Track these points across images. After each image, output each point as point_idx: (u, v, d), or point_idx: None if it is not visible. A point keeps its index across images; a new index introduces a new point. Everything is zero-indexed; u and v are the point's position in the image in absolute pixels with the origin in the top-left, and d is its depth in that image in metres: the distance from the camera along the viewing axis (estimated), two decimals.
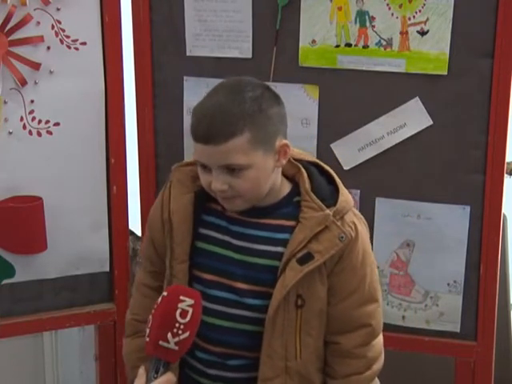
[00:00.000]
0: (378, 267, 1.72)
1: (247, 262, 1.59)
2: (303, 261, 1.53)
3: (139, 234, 2.23)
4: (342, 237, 1.53)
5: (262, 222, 1.59)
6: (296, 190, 1.60)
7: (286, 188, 1.61)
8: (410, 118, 1.93)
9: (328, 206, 1.54)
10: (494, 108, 1.86)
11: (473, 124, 1.90)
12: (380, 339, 1.66)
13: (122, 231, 2.14)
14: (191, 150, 2.09)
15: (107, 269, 2.15)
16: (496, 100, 1.86)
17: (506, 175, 1.92)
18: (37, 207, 2.01)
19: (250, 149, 1.48)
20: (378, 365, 1.64)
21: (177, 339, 1.38)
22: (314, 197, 1.56)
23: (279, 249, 1.56)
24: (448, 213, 1.95)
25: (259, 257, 1.59)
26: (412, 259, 2.01)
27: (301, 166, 1.61)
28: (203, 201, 1.63)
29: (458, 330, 2.00)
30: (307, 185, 1.57)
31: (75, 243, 2.08)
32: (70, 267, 2.10)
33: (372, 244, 1.71)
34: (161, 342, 1.39)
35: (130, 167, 2.13)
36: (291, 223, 1.57)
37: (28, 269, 2.05)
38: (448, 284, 1.99)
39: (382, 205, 1.99)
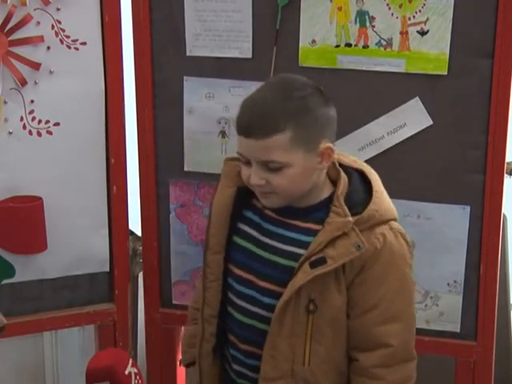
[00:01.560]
0: None
1: (271, 261, 1.60)
2: (315, 264, 1.51)
3: (139, 234, 2.23)
4: (359, 246, 1.49)
5: (292, 223, 1.59)
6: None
7: (327, 192, 1.59)
8: (410, 118, 1.93)
9: (355, 214, 1.51)
10: (494, 108, 1.86)
11: (473, 124, 1.90)
12: (410, 366, 1.58)
13: (122, 231, 2.14)
14: (191, 150, 2.10)
15: (107, 269, 2.15)
16: (496, 100, 1.86)
17: (506, 175, 1.92)
18: (37, 207, 2.01)
19: (290, 147, 1.46)
20: None
21: None
22: (342, 202, 1.53)
23: (302, 251, 1.55)
24: (448, 213, 1.95)
25: (282, 257, 1.58)
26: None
27: (342, 171, 1.58)
28: (246, 196, 1.63)
29: (458, 330, 2.00)
30: (341, 190, 1.55)
31: (75, 243, 2.08)
32: (70, 267, 2.10)
33: None
34: None
35: (130, 167, 2.13)
36: (319, 227, 1.55)
37: (28, 269, 2.05)
38: (448, 284, 1.99)
39: None
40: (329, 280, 1.53)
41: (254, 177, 1.50)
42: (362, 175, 1.61)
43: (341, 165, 1.60)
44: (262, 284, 1.60)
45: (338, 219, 1.52)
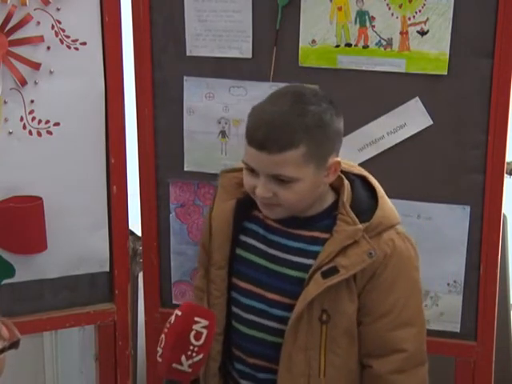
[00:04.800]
0: None
1: (279, 273, 1.58)
2: (327, 274, 1.49)
3: (139, 234, 2.23)
4: (371, 253, 1.49)
5: (297, 233, 1.57)
6: (338, 203, 1.56)
7: (329, 200, 1.58)
8: (410, 118, 1.93)
9: (363, 221, 1.51)
10: (494, 108, 1.86)
11: (473, 124, 1.90)
12: (423, 370, 1.59)
13: (122, 231, 2.13)
14: (191, 150, 2.10)
15: (107, 269, 2.15)
16: (496, 100, 1.86)
17: (506, 175, 1.92)
18: (37, 207, 2.01)
19: (302, 162, 1.45)
20: None
21: (190, 362, 1.36)
22: (349, 210, 1.52)
23: (310, 261, 1.54)
24: (448, 213, 1.95)
25: (290, 268, 1.57)
26: None
27: (345, 178, 1.57)
28: (246, 208, 1.61)
29: (458, 330, 2.00)
30: (346, 198, 1.54)
31: (75, 243, 2.08)
32: (70, 267, 2.10)
33: None
34: (174, 365, 1.36)
35: (130, 167, 2.13)
36: (325, 236, 1.54)
37: (28, 269, 2.05)
38: (448, 284, 1.99)
39: None
40: (341, 289, 1.52)
41: (262, 189, 1.48)
42: (363, 181, 1.60)
43: (341, 171, 1.59)
44: (271, 296, 1.59)
45: (348, 227, 1.51)
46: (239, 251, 1.63)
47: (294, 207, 1.52)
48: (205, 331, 1.38)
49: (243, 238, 1.63)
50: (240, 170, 1.60)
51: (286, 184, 1.47)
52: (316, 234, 1.56)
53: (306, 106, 1.46)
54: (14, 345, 1.14)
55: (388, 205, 1.57)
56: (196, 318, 1.38)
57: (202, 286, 1.75)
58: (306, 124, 1.44)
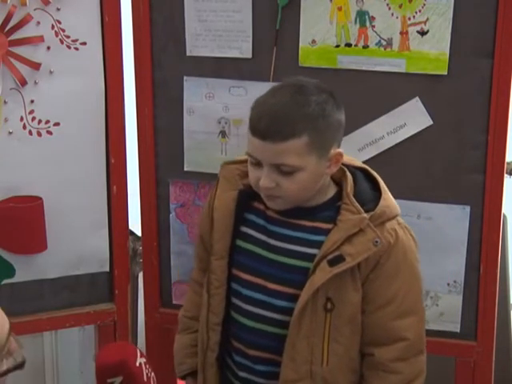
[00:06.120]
0: None
1: (280, 263, 1.59)
2: (333, 262, 1.51)
3: (139, 234, 2.23)
4: (377, 241, 1.51)
5: (299, 223, 1.59)
6: (340, 194, 1.59)
7: (331, 192, 1.60)
8: (410, 118, 1.93)
9: (367, 211, 1.53)
10: (494, 108, 1.86)
11: (473, 124, 1.90)
12: (422, 358, 1.61)
13: (122, 231, 2.14)
14: (191, 150, 2.10)
15: (107, 269, 2.15)
16: (496, 100, 1.86)
17: (506, 175, 1.92)
18: (37, 207, 2.01)
19: (305, 152, 1.47)
20: None
21: None
22: (354, 200, 1.54)
23: (314, 251, 1.55)
24: (448, 213, 1.95)
25: (293, 257, 1.58)
26: None
27: (347, 170, 1.60)
28: (247, 199, 1.63)
29: (458, 330, 2.00)
30: (349, 188, 1.56)
31: (75, 243, 2.08)
32: (70, 267, 2.10)
33: None
34: None
35: (129, 167, 2.13)
36: (328, 226, 1.56)
37: (28, 269, 2.05)
38: (448, 284, 1.99)
39: None
40: (345, 278, 1.53)
41: (265, 179, 1.50)
42: (365, 173, 1.62)
43: (342, 164, 1.61)
44: (273, 287, 1.59)
45: (352, 216, 1.53)
46: (239, 242, 1.64)
47: (296, 197, 1.54)
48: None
49: (244, 228, 1.64)
50: (242, 161, 1.63)
51: (289, 174, 1.49)
52: (318, 224, 1.57)
53: (307, 96, 1.48)
54: (20, 366, 1.13)
55: (389, 196, 1.59)
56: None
57: (198, 278, 1.77)
58: (307, 113, 1.47)
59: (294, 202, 1.55)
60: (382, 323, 1.56)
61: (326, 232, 1.55)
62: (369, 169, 1.64)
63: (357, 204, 1.53)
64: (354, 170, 1.62)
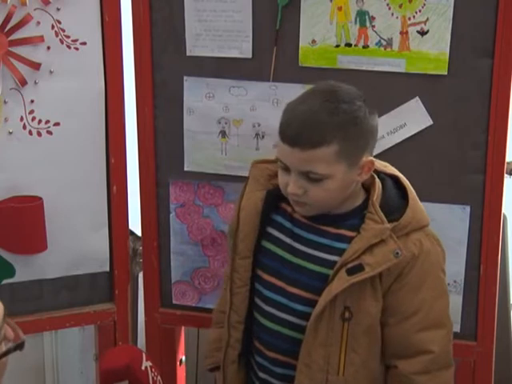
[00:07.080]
0: None
1: (302, 267, 1.58)
2: (352, 271, 1.49)
3: (139, 234, 2.23)
4: (398, 253, 1.49)
5: (324, 229, 1.57)
6: (368, 201, 1.56)
7: (360, 199, 1.58)
8: (410, 118, 1.93)
9: (392, 221, 1.51)
10: (494, 108, 1.86)
11: (473, 124, 1.90)
12: (448, 373, 1.58)
13: (122, 231, 2.14)
14: (191, 150, 2.10)
15: (107, 269, 2.15)
16: (496, 100, 1.86)
17: (506, 175, 1.92)
18: (37, 207, 2.01)
19: (334, 160, 1.46)
20: None
21: None
22: (379, 209, 1.52)
23: (335, 258, 1.54)
24: (448, 213, 1.95)
25: (314, 263, 1.57)
26: None
27: (376, 177, 1.58)
28: (275, 199, 1.61)
29: (458, 330, 2.00)
30: (376, 197, 1.54)
31: (75, 243, 2.08)
32: (70, 267, 2.10)
33: None
34: None
35: (130, 167, 2.13)
36: (352, 234, 1.54)
37: (28, 269, 2.05)
38: (448, 284, 1.98)
39: None
40: (365, 287, 1.52)
41: (293, 185, 1.49)
42: (395, 181, 1.60)
43: (374, 170, 1.58)
44: (292, 290, 1.59)
45: (375, 226, 1.51)
46: (264, 243, 1.64)
47: (323, 205, 1.53)
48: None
49: (270, 229, 1.64)
50: (272, 161, 1.62)
51: (317, 181, 1.48)
52: (342, 231, 1.56)
53: (338, 104, 1.46)
54: (19, 346, 1.14)
55: (418, 206, 1.57)
56: None
57: (229, 273, 1.76)
58: (338, 122, 1.45)
59: (321, 209, 1.54)
60: (406, 335, 1.54)
61: (350, 240, 1.53)
62: (400, 176, 1.62)
63: (381, 213, 1.51)
64: (384, 176, 1.60)
